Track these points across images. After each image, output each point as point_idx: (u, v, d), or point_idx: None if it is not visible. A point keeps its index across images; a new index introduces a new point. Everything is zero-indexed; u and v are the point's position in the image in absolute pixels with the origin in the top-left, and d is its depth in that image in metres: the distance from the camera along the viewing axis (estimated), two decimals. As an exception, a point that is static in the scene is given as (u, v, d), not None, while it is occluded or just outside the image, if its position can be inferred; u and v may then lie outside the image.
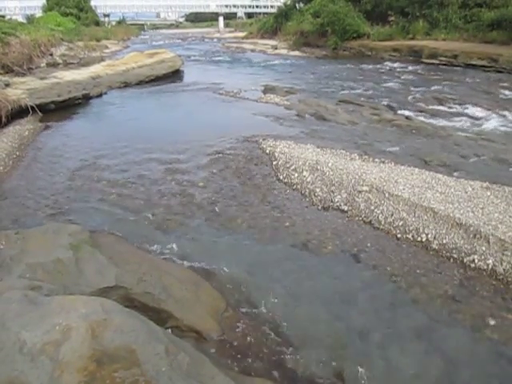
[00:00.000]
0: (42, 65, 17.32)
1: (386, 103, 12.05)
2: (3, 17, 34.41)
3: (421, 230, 4.81)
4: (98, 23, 51.47)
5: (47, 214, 5.62)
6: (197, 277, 4.05)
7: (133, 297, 3.42)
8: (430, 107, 11.36)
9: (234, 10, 77.13)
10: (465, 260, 4.34)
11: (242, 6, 76.62)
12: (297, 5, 38.89)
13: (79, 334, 2.50)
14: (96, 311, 2.70)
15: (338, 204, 5.65)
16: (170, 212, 5.60)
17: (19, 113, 10.17)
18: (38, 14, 44.47)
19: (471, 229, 4.57)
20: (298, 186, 6.23)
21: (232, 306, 3.76)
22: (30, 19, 38.81)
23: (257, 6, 74.80)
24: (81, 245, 4.01)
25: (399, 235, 4.86)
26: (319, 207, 5.66)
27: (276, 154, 7.30)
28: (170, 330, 3.25)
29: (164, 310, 3.35)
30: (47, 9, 44.07)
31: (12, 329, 2.55)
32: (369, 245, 4.74)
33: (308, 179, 6.29)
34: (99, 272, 3.63)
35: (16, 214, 5.64)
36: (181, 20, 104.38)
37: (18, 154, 8.01)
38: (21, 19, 40.15)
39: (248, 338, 3.41)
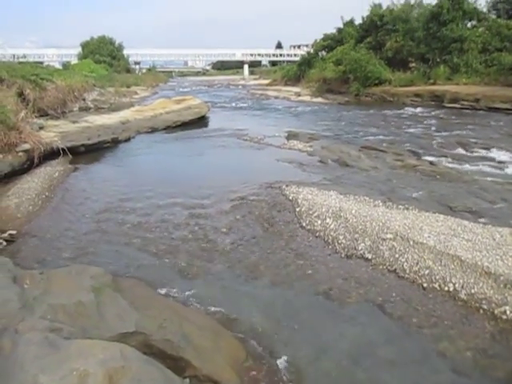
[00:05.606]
0: (75, 109, 18.07)
1: (409, 149, 12.03)
2: (41, 63, 36.61)
3: (448, 279, 4.66)
4: (128, 70, 54.31)
5: (72, 255, 5.71)
6: (217, 325, 3.98)
7: (152, 343, 3.38)
8: (454, 152, 11.30)
9: (258, 58, 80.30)
10: (495, 311, 4.15)
11: (267, 55, 79.70)
12: (319, 53, 40.21)
13: (96, 381, 2.47)
14: (114, 357, 2.68)
15: (361, 252, 5.54)
16: (192, 257, 5.60)
17: (51, 154, 10.55)
18: (74, 61, 47.26)
19: (501, 278, 4.40)
20: (321, 233, 6.15)
21: (252, 355, 3.66)
22: (66, 66, 41.18)
23: (280, 55, 77.74)
24: (103, 288, 4.02)
25: (425, 284, 4.71)
26: (342, 255, 5.57)
27: (299, 201, 7.27)
28: (188, 380, 3.17)
29: (183, 359, 3.28)
30: (82, 57, 47.05)
31: (30, 371, 2.55)
32: (394, 294, 4.60)
33: (331, 226, 6.23)
34: (120, 316, 3.61)
35: (42, 253, 5.76)
36: (207, 68, 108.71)
37: (47, 194, 8.25)
38: (57, 66, 42.75)
39: (268, 391, 3.29)
